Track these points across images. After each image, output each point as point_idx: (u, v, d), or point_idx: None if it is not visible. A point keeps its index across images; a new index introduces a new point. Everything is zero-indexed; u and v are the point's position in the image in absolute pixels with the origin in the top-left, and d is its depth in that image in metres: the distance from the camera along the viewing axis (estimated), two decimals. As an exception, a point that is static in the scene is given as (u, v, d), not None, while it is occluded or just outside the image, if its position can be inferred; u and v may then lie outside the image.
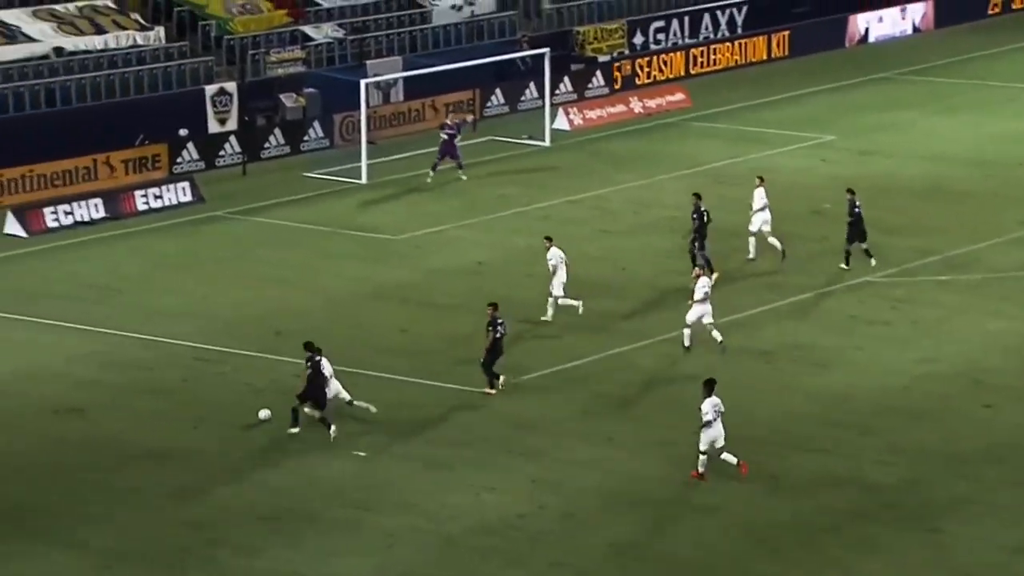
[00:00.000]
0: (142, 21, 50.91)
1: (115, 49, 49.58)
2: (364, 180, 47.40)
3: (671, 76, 58.04)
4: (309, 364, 31.18)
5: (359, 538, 27.50)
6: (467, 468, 29.94)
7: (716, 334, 34.91)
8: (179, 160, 47.89)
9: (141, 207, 45.04)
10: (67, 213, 43.87)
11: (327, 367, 31.35)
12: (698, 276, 35.29)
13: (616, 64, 57.23)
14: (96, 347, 34.98)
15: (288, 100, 51.00)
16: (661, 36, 59.88)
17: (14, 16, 48.97)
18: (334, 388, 31.56)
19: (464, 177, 46.97)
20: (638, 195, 45.26)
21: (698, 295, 34.87)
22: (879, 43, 63.93)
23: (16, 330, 36.08)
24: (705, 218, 39.10)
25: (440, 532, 27.67)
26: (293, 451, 30.56)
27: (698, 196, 39.57)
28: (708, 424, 29.33)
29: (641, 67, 57.59)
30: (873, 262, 39.60)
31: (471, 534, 27.62)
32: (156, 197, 45.38)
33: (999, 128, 52.67)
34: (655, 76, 57.73)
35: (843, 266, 39.80)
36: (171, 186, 45.88)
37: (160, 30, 50.89)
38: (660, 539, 27.65)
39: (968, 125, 53.18)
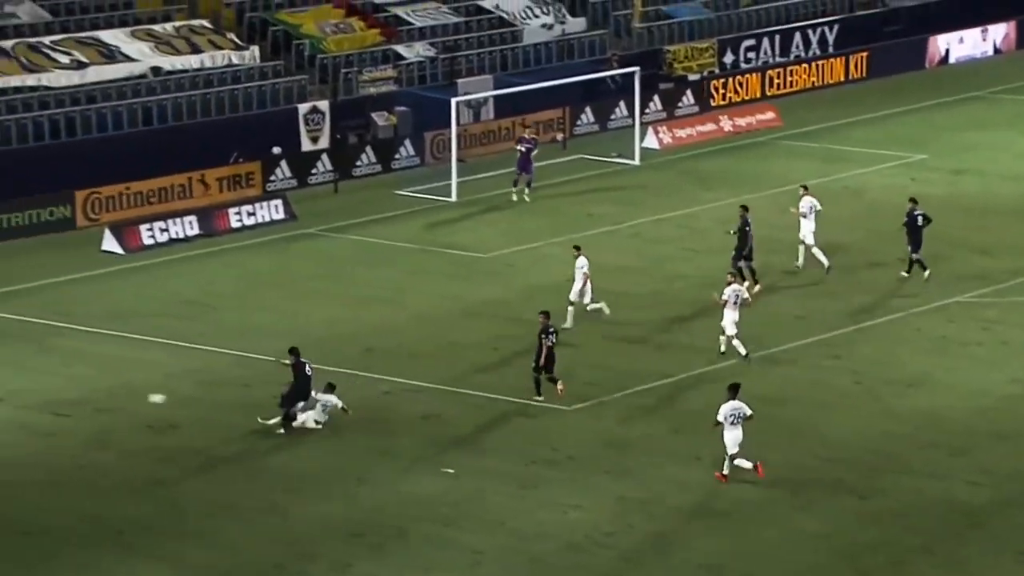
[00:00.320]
0: (237, 41, 51.55)
1: (211, 68, 50.25)
2: (454, 198, 47.72)
3: (761, 95, 58.03)
4: (294, 366, 31.89)
5: (447, 555, 27.72)
6: (555, 486, 30.10)
7: (723, 340, 35.23)
8: (272, 178, 48.44)
9: (235, 224, 45.58)
10: (162, 230, 44.48)
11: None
12: (729, 283, 35.55)
13: (706, 83, 57.29)
14: (191, 364, 35.45)
15: (380, 118, 51.44)
16: (751, 55, 59.86)
17: (113, 36, 49.74)
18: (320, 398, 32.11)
19: (527, 198, 47.02)
20: (727, 214, 45.19)
21: (729, 301, 35.18)
22: (960, 64, 63.52)
23: (112, 346, 36.62)
24: (750, 230, 39.31)
25: (527, 550, 27.83)
26: (383, 467, 30.85)
27: (745, 208, 39.83)
28: (721, 426, 29.66)
29: (731, 86, 57.61)
30: (927, 274, 39.65)
31: (558, 552, 27.77)
32: (249, 214, 45.92)
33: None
34: (745, 95, 57.72)
35: (903, 273, 39.89)
36: (264, 203, 46.40)
37: (255, 49, 51.50)
38: (749, 559, 27.66)
39: (1062, 145, 52.82)
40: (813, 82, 59.83)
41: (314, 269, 42.44)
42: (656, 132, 53.57)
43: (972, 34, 64.38)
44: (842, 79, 60.33)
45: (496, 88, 52.56)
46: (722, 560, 27.53)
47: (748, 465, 29.82)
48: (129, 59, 49.23)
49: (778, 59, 60.17)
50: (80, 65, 48.32)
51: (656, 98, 55.59)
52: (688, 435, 32.19)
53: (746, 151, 53.02)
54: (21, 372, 35.19)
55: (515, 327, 37.40)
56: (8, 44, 48.10)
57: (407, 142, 51.01)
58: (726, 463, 29.85)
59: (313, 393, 32.38)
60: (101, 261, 42.87)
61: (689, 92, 56.67)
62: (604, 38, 57.45)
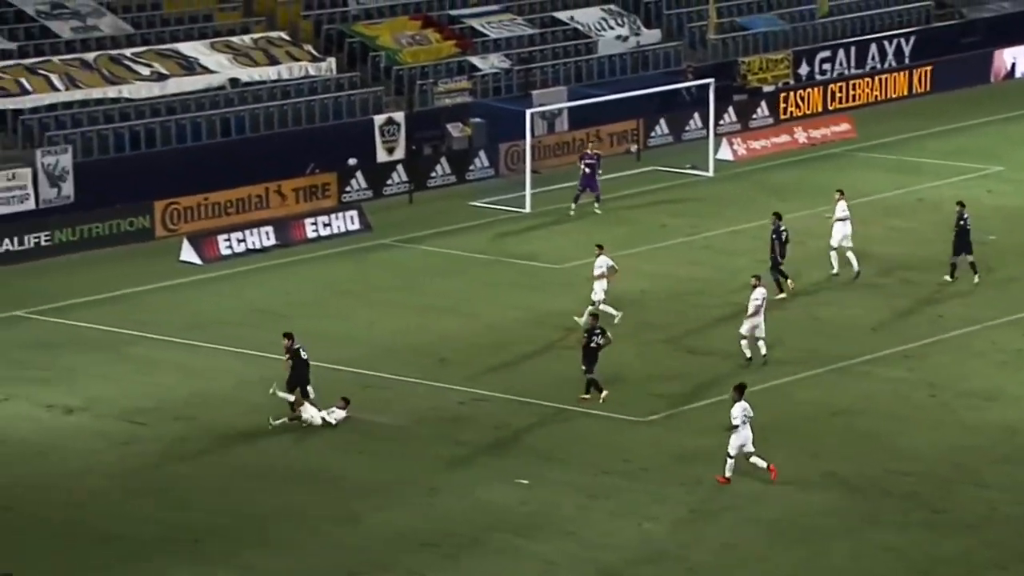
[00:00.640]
0: (315, 52, 51.95)
1: (288, 80, 50.67)
2: (528, 209, 47.89)
3: (835, 106, 57.86)
4: (289, 354, 32.69)
5: (519, 564, 27.85)
6: (628, 497, 30.18)
7: (747, 349, 35.54)
8: (348, 189, 48.79)
9: (311, 235, 45.93)
10: (239, 241, 44.89)
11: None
12: (755, 287, 35.73)
13: (780, 94, 57.19)
14: (266, 372, 35.68)
15: (455, 130, 51.68)
16: (827, 66, 59.70)
17: (193, 48, 50.25)
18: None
19: (598, 211, 47.18)
20: (800, 226, 45.13)
21: (751, 308, 35.50)
22: (1027, 78, 63.08)
23: (189, 355, 37.00)
24: (784, 237, 39.64)
25: (599, 560, 27.93)
26: (456, 477, 31.03)
27: (778, 216, 40.23)
28: (736, 428, 29.93)
29: (805, 97, 57.47)
30: (976, 279, 39.52)
31: (631, 564, 27.84)
32: (325, 225, 46.26)
33: None
34: (819, 106, 57.57)
35: (947, 278, 39.81)
36: (340, 214, 46.73)
37: (332, 61, 51.88)
38: (821, 573, 27.62)
39: None
40: (885, 95, 59.54)
41: (388, 279, 42.72)
42: (730, 143, 53.55)
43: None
44: (905, 93, 59.98)
45: (571, 100, 52.69)
46: (794, 573, 27.51)
47: (763, 464, 30.22)
48: (208, 71, 49.73)
49: (853, 71, 59.98)
50: (160, 77, 48.87)
51: (730, 109, 55.56)
52: (760, 447, 32.16)
53: (820, 162, 52.88)
54: (100, 380, 35.64)
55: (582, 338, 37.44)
56: (90, 56, 48.71)
57: (481, 153, 51.24)
58: (728, 466, 30.22)
59: (311, 390, 33.00)
60: (179, 271, 43.31)
61: (763, 103, 56.60)
62: (679, 50, 57.48)
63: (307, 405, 33.19)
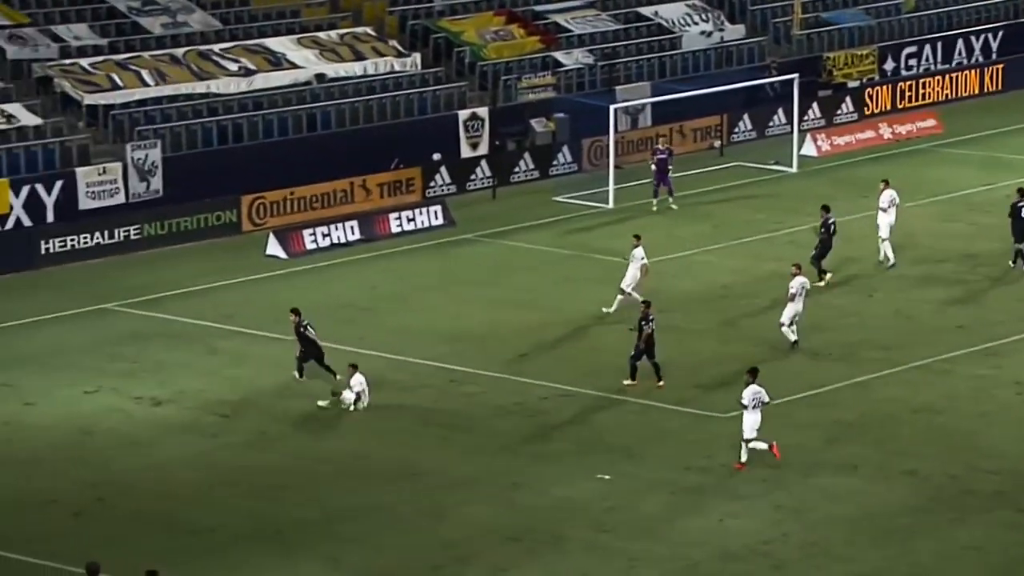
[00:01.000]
0: (400, 48, 52.25)
1: (373, 75, 50.97)
2: (611, 205, 47.98)
3: (921, 102, 57.53)
4: (299, 329, 34.22)
5: (601, 561, 27.98)
6: (710, 494, 30.25)
7: (792, 334, 36.14)
8: (432, 184, 49.06)
9: (395, 230, 46.23)
10: (324, 235, 45.25)
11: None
12: (795, 275, 36.11)
13: (865, 89, 56.94)
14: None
15: (538, 125, 51.83)
16: (912, 61, 59.37)
17: (279, 44, 50.66)
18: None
19: (674, 206, 47.20)
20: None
21: (791, 295, 36.17)
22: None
23: (275, 348, 37.32)
24: (832, 230, 40.03)
25: (682, 557, 28.02)
26: (539, 472, 31.20)
27: (826, 208, 40.46)
28: (749, 410, 30.39)
29: (891, 92, 57.19)
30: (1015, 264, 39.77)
31: (713, 560, 27.92)
32: (409, 220, 46.55)
33: None
34: (905, 102, 57.27)
35: (1011, 264, 40.40)
36: (424, 209, 47.01)
37: (416, 56, 52.15)
38: (908, 572, 27.55)
39: None
40: (972, 90, 59.07)
41: (472, 274, 42.94)
42: (815, 139, 53.39)
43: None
44: (992, 88, 59.45)
45: (654, 95, 52.73)
46: (876, 572, 27.49)
47: (764, 446, 30.63)
48: (295, 66, 50.14)
49: (940, 66, 59.59)
50: (248, 72, 49.33)
51: (815, 105, 55.38)
52: (842, 444, 32.16)
53: (906, 158, 52.63)
54: (187, 373, 36.08)
55: (665, 335, 37.52)
56: (180, 52, 49.24)
57: (565, 148, 51.36)
58: (743, 450, 30.58)
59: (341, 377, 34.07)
60: (265, 265, 43.72)
61: (848, 99, 56.36)
62: (763, 45, 57.33)
63: (345, 392, 33.55)
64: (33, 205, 44.19)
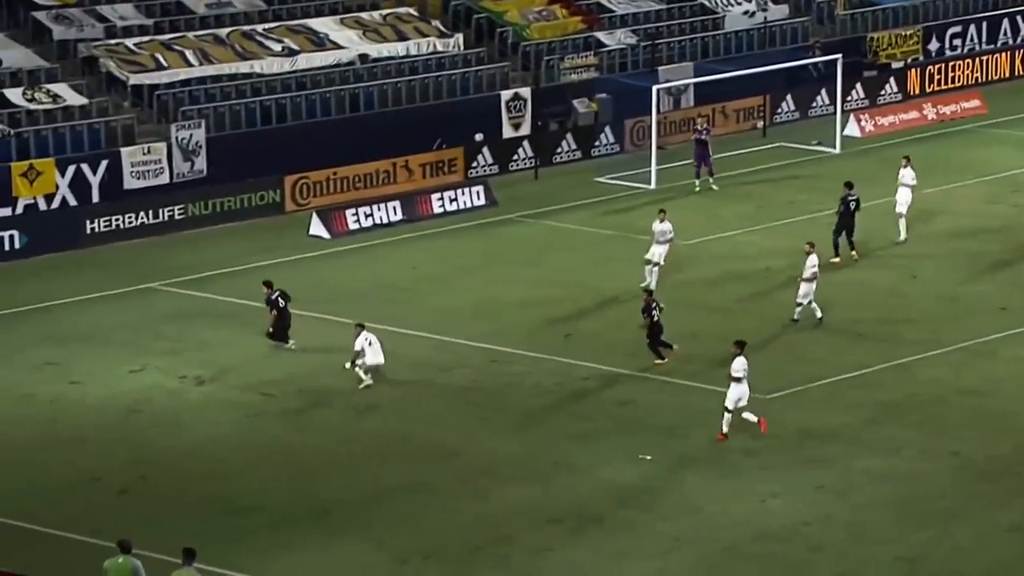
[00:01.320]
0: (442, 28, 52.30)
1: (416, 56, 51.06)
2: (653, 185, 47.96)
3: (966, 82, 57.26)
4: (270, 302, 34.85)
5: (643, 540, 28.06)
6: (752, 474, 30.28)
7: (799, 309, 36.40)
8: (474, 164, 49.12)
9: (437, 210, 46.33)
10: (367, 215, 45.39)
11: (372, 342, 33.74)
12: (808, 253, 36.41)
13: (910, 70, 56.70)
14: (392, 346, 36.07)
15: (581, 105, 51.81)
16: (957, 42, 59.08)
17: (323, 24, 50.81)
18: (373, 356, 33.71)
19: (714, 187, 47.20)
20: (928, 203, 44.87)
21: (806, 273, 36.37)
22: None
23: (317, 328, 37.51)
24: (853, 208, 40.36)
25: (723, 537, 28.07)
26: (580, 453, 31.28)
27: (849, 185, 40.88)
28: (737, 382, 30.69)
29: (935, 73, 56.95)
30: None
31: (754, 541, 27.95)
32: (451, 200, 46.64)
33: None
34: (949, 82, 57.02)
35: None
36: (466, 190, 47.08)
37: (459, 37, 52.20)
38: (950, 554, 27.54)
39: None
40: (1017, 70, 58.73)
41: (514, 255, 43.01)
42: (858, 120, 53.22)
43: None
44: (1021, 72, 58.99)
45: (697, 75, 52.63)
46: (918, 553, 27.48)
47: (753, 419, 31.00)
48: (337, 46, 50.26)
49: (985, 46, 59.27)
50: (291, 52, 49.48)
51: (858, 86, 55.20)
52: (885, 426, 32.13)
53: (949, 138, 52.42)
54: (231, 352, 36.27)
55: (709, 315, 37.59)
56: (223, 32, 49.43)
57: (607, 129, 51.35)
58: (724, 422, 30.89)
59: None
60: (308, 245, 43.89)
61: (892, 79, 56.16)
62: (806, 25, 57.16)
63: (359, 372, 33.71)
64: (78, 185, 44.48)
